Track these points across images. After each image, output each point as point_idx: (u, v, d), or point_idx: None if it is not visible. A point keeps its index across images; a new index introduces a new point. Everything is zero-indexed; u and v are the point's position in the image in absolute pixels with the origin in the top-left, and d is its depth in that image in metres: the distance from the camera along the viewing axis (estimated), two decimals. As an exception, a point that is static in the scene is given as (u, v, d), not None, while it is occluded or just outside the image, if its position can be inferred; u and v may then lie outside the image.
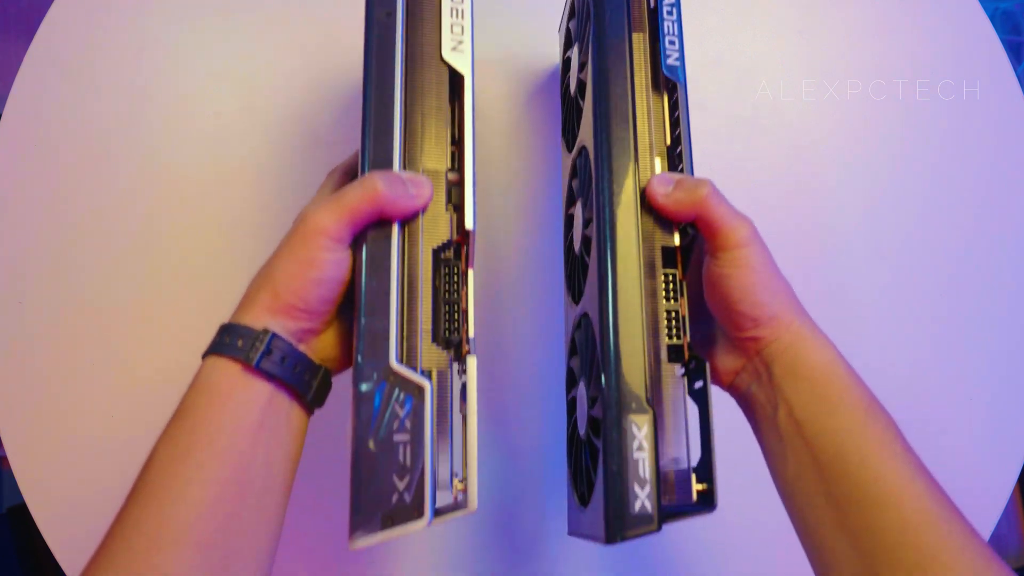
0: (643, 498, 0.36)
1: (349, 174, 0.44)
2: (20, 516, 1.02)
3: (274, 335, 0.37)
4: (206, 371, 0.38)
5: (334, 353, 0.40)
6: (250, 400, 0.37)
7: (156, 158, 0.60)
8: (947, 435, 0.58)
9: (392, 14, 0.40)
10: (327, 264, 0.37)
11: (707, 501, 0.39)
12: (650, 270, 0.40)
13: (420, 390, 0.37)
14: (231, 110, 0.61)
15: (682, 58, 0.43)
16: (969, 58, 0.62)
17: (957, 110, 0.61)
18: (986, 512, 0.57)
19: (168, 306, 0.59)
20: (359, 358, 0.37)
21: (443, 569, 0.56)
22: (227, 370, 0.37)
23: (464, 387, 0.39)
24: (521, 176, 0.60)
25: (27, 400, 0.57)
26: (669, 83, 0.44)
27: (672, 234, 0.41)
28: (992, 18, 0.73)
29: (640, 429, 0.37)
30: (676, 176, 0.41)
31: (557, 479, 0.56)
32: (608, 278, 0.39)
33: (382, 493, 0.36)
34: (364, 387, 0.37)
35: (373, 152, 0.39)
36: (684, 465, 0.39)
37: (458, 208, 0.40)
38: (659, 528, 0.36)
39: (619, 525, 0.36)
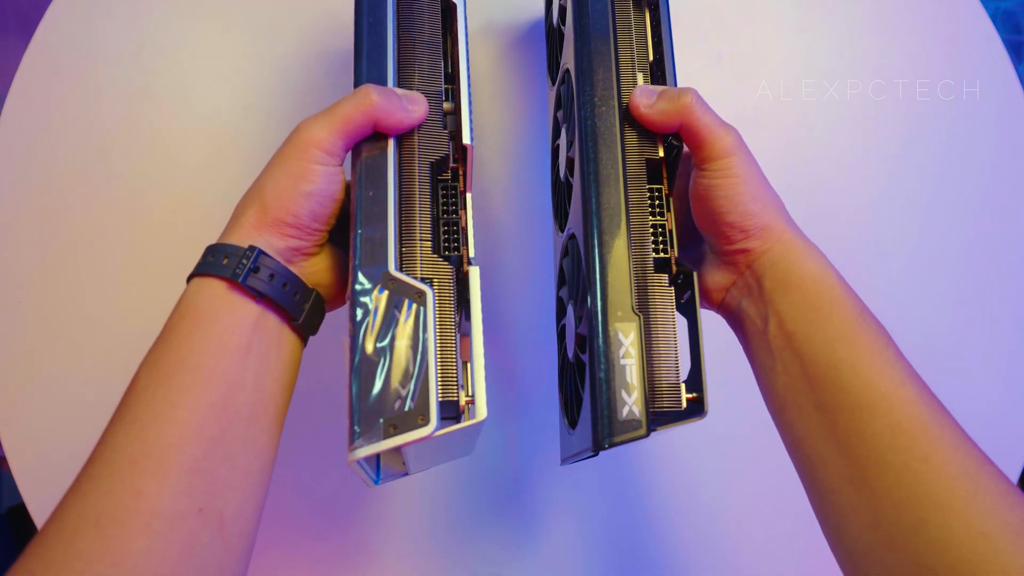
0: (630, 404, 0.35)
1: None
2: (20, 516, 1.01)
3: (261, 251, 0.36)
4: (190, 292, 0.36)
5: (327, 280, 0.39)
6: (237, 321, 0.35)
7: (156, 158, 0.60)
8: (947, 435, 0.58)
9: None
10: (319, 176, 0.36)
11: (697, 409, 0.38)
12: (635, 183, 0.40)
13: (421, 295, 0.36)
14: (231, 110, 0.61)
15: None
16: (969, 58, 0.62)
17: (957, 110, 0.61)
18: (986, 512, 0.57)
19: (168, 306, 0.59)
20: (356, 264, 0.36)
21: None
22: (212, 289, 0.35)
23: (467, 301, 0.38)
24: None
25: (27, 400, 0.57)
26: (651, 0, 0.43)
27: (656, 146, 0.40)
28: (993, 18, 0.72)
29: (626, 336, 0.36)
30: (659, 88, 0.40)
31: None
32: (591, 188, 0.38)
33: (384, 400, 0.34)
34: (362, 294, 0.35)
35: (367, 70, 0.38)
36: (674, 376, 0.38)
37: (454, 136, 0.39)
38: (647, 433, 0.35)
39: (607, 431, 0.35)
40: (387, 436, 0.33)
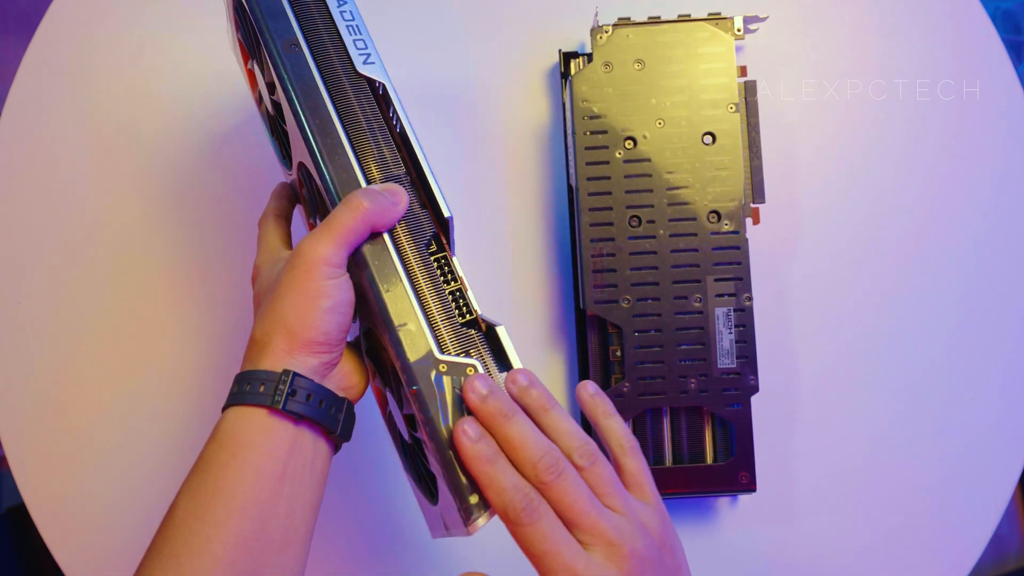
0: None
1: (282, 215, 0.45)
2: (20, 516, 1.02)
3: (296, 374, 0.37)
4: (228, 422, 0.37)
5: (352, 381, 0.40)
6: (273, 445, 0.36)
7: (155, 158, 0.60)
8: (949, 435, 0.58)
9: (297, 45, 0.41)
10: (334, 290, 0.37)
11: None
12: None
13: (473, 368, 0.38)
14: (230, 111, 0.61)
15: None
16: (969, 58, 0.62)
17: (957, 110, 0.61)
18: (987, 512, 0.57)
19: (167, 306, 0.59)
20: (405, 362, 0.38)
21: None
22: (250, 418, 0.36)
23: (505, 359, 0.40)
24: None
25: (27, 400, 0.57)
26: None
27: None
28: (993, 18, 0.72)
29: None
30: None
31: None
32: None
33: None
34: (421, 386, 0.37)
35: (336, 175, 0.40)
36: None
37: (424, 205, 0.41)
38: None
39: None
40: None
